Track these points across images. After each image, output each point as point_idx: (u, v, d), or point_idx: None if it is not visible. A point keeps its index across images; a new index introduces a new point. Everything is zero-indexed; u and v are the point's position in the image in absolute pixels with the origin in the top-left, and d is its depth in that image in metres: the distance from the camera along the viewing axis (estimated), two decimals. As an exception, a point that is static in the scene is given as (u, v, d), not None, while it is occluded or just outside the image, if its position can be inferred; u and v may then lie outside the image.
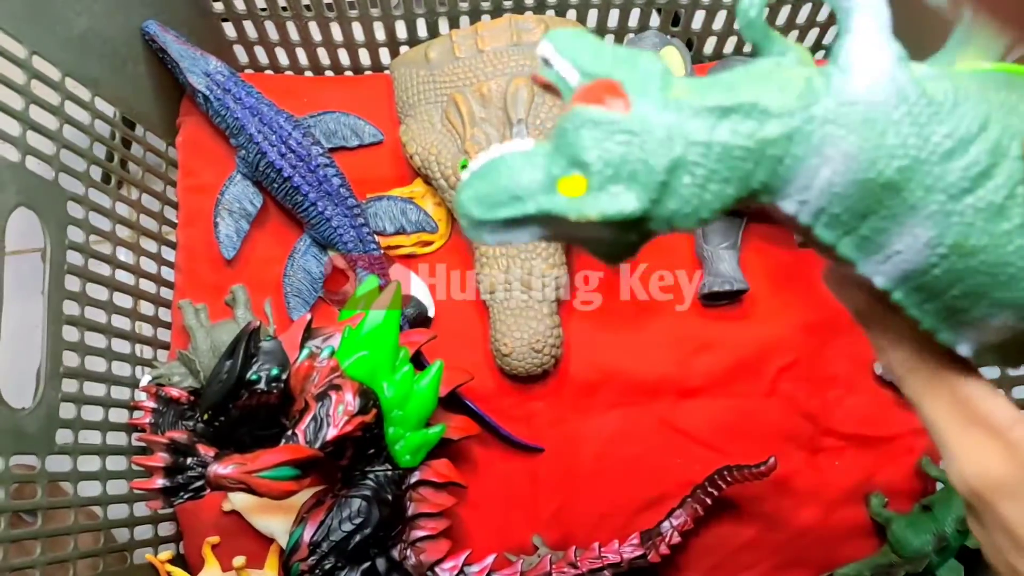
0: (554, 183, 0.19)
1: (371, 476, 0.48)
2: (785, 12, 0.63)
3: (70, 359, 0.50)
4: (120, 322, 0.55)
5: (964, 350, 0.22)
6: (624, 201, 0.18)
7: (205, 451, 0.42)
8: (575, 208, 0.18)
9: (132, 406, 0.55)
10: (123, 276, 0.56)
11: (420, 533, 0.49)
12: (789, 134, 0.19)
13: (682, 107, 0.19)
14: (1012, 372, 0.56)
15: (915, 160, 0.19)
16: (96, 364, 0.53)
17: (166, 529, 0.57)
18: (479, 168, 0.19)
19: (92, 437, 0.52)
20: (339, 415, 0.44)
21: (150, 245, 0.60)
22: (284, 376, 0.46)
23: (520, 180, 0.19)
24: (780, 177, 0.19)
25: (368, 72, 0.67)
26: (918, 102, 0.19)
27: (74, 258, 0.51)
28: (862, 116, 0.19)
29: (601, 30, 0.64)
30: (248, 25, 0.63)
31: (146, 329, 0.59)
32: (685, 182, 0.19)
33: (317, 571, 0.45)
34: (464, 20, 0.63)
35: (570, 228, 0.19)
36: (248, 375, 0.46)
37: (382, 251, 0.59)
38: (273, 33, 0.63)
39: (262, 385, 0.46)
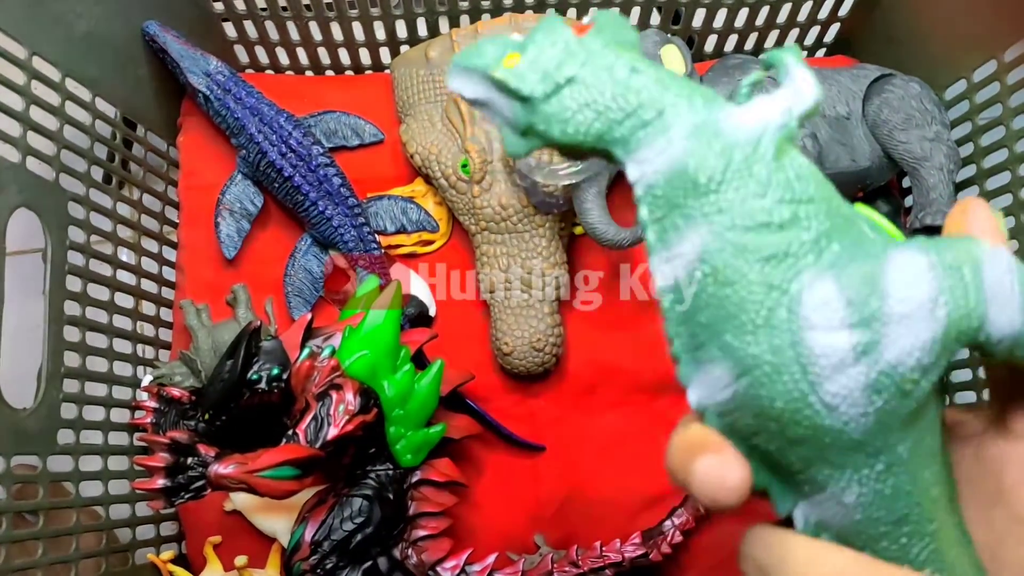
0: (503, 56, 0.23)
1: (372, 475, 0.48)
2: (786, 9, 0.63)
3: (71, 359, 0.50)
4: (121, 322, 0.55)
5: (692, 397, 0.22)
6: (525, 81, 0.22)
7: (206, 451, 0.42)
8: (496, 71, 0.22)
9: (133, 406, 0.55)
10: (124, 276, 0.56)
11: (421, 532, 0.49)
12: (663, 109, 0.21)
13: (614, 54, 0.22)
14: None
15: (723, 185, 0.21)
16: (97, 364, 0.53)
17: (168, 529, 0.57)
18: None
19: (94, 437, 0.52)
20: (340, 414, 0.44)
21: (151, 245, 0.60)
22: (285, 376, 0.46)
23: (487, 51, 0.23)
24: (637, 139, 0.21)
25: (368, 72, 0.67)
26: (760, 166, 0.21)
27: (75, 258, 0.51)
28: (717, 142, 0.21)
29: (601, 29, 0.64)
30: (248, 25, 0.63)
31: (147, 329, 0.59)
32: (571, 94, 0.22)
33: (319, 570, 0.46)
34: (464, 19, 0.63)
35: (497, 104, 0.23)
36: (249, 375, 0.46)
37: (383, 251, 0.59)
38: (273, 33, 0.63)
39: (263, 385, 0.46)
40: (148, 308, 0.59)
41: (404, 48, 0.64)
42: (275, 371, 0.46)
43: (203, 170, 0.62)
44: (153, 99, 0.61)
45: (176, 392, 0.52)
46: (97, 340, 0.53)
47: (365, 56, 0.65)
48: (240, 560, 0.50)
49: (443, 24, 0.63)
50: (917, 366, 0.20)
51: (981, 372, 0.51)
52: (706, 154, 0.20)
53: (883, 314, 0.20)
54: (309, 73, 0.67)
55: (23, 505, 0.45)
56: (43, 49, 0.49)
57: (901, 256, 0.21)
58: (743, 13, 0.63)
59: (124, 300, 0.56)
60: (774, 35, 0.66)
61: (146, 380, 0.56)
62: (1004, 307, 0.20)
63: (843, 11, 0.64)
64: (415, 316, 0.57)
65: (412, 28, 0.63)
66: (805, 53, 0.68)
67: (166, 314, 0.61)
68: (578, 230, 0.59)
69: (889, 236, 0.22)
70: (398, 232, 0.59)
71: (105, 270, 0.54)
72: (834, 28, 0.66)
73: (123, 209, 0.57)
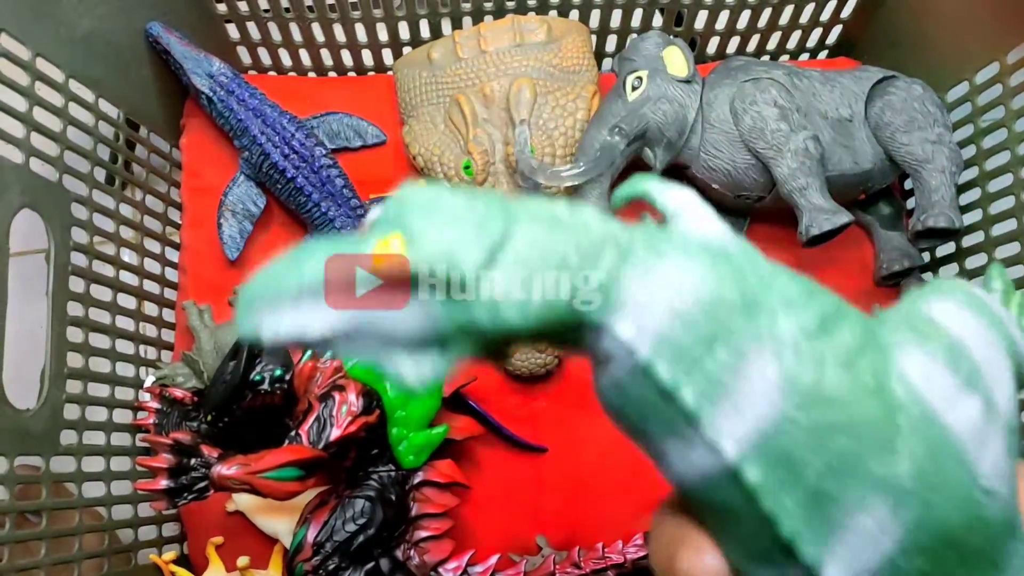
0: (370, 246, 0.15)
1: (375, 476, 0.48)
2: (788, 11, 0.63)
3: (74, 360, 0.50)
4: (124, 323, 0.55)
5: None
6: (447, 256, 0.15)
7: (209, 452, 0.42)
8: (392, 262, 0.15)
9: (136, 407, 0.55)
10: (127, 277, 0.56)
11: (424, 533, 0.49)
12: (631, 238, 0.17)
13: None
14: None
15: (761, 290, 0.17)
16: (100, 365, 0.53)
17: (170, 530, 0.57)
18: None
19: (96, 438, 0.52)
20: (342, 416, 0.44)
21: (154, 246, 0.60)
22: (288, 377, 0.47)
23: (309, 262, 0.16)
24: (624, 279, 0.16)
25: (371, 73, 0.67)
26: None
27: (78, 259, 0.51)
28: (718, 255, 0.17)
29: (604, 30, 0.64)
30: (251, 26, 0.63)
31: (150, 330, 0.59)
32: (515, 255, 0.15)
33: (321, 571, 0.46)
34: (467, 21, 0.63)
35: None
36: (252, 376, 0.46)
37: (385, 252, 0.59)
38: (276, 34, 0.63)
39: (266, 386, 0.46)
40: (151, 309, 0.59)
41: (407, 50, 0.64)
42: (278, 372, 0.46)
43: (206, 171, 0.62)
44: (156, 100, 0.61)
45: (179, 393, 0.53)
46: (100, 341, 0.53)
47: (368, 57, 0.66)
48: (242, 561, 0.50)
49: (446, 26, 0.63)
50: (1017, 409, 0.18)
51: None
52: (721, 271, 0.17)
53: (974, 364, 0.18)
54: (312, 74, 0.67)
55: (26, 505, 0.45)
56: (46, 50, 0.49)
57: (935, 304, 0.19)
58: (745, 15, 0.63)
59: (127, 301, 0.56)
60: (776, 37, 0.66)
61: (149, 381, 0.56)
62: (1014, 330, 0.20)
63: (845, 13, 0.64)
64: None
65: (415, 29, 0.63)
66: (808, 55, 0.68)
67: (169, 315, 0.61)
68: (580, 232, 0.59)
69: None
70: (400, 233, 0.59)
71: (108, 271, 0.54)
72: (836, 30, 0.66)
73: (126, 210, 0.57)
